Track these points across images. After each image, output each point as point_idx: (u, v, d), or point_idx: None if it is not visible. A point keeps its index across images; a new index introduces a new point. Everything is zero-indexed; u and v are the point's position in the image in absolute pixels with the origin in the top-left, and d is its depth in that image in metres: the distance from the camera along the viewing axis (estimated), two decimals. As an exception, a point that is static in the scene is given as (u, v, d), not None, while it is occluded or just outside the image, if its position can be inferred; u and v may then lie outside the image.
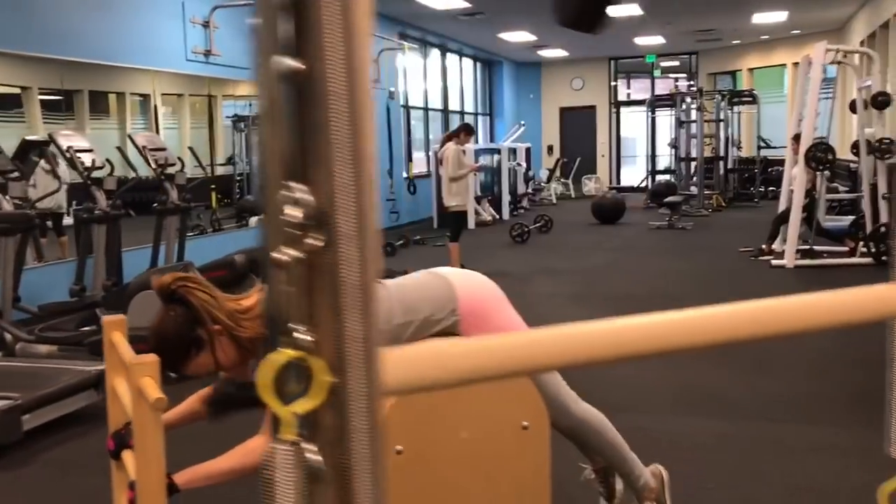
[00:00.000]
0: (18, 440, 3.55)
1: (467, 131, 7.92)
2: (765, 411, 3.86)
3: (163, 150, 6.48)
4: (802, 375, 4.40)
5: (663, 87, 18.10)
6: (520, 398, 1.93)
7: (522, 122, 15.71)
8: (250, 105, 11.41)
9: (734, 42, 16.84)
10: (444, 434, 1.86)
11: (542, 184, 16.48)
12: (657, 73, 19.05)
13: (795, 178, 7.97)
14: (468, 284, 2.02)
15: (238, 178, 10.31)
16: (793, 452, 3.33)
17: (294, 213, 0.42)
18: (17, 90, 7.16)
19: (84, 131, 7.32)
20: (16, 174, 5.24)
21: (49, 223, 6.73)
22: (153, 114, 8.45)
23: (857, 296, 0.76)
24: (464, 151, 7.89)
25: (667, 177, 15.62)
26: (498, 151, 13.61)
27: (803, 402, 3.97)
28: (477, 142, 16.54)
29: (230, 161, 10.38)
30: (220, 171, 10.06)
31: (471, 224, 10.76)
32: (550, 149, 19.12)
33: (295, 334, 0.43)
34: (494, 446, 1.91)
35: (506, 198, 13.33)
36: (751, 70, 17.33)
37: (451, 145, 7.73)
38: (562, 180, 17.08)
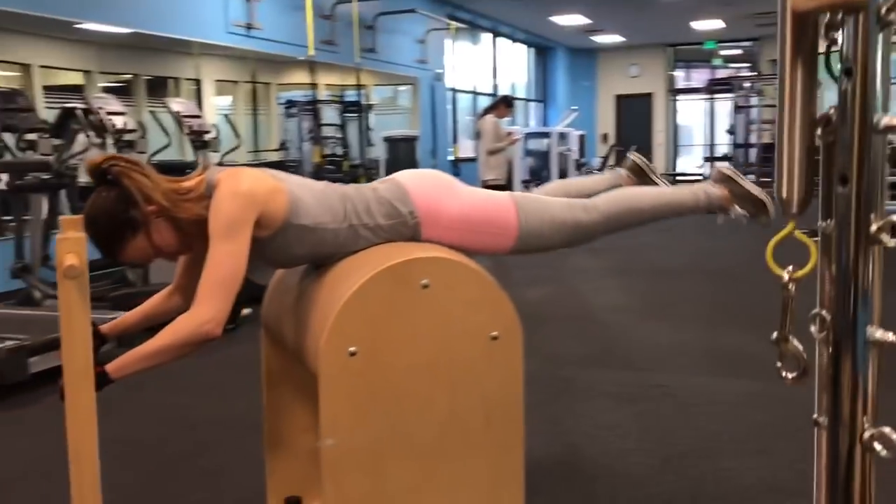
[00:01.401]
0: (25, 381, 3.55)
1: (506, 104, 7.72)
2: (796, 372, 3.63)
3: (198, 116, 6.49)
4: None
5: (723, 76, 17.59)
6: (490, 305, 1.77)
7: (575, 108, 15.44)
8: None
9: (797, 26, 16.23)
10: (403, 338, 1.72)
11: (595, 171, 16.19)
12: (718, 61, 18.50)
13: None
14: (420, 184, 1.87)
15: (291, 164, 10.36)
16: (819, 409, 3.11)
17: None
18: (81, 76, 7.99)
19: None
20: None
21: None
22: (200, 95, 9.04)
23: None
24: (509, 133, 7.62)
25: (725, 163, 15.18)
26: (548, 136, 13.38)
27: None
28: (528, 125, 16.34)
29: (283, 146, 10.42)
30: (273, 157, 10.12)
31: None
32: (605, 137, 18.77)
33: None
34: (459, 355, 1.76)
35: (555, 182, 13.09)
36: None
37: (489, 118, 7.52)
38: (616, 168, 16.73)
